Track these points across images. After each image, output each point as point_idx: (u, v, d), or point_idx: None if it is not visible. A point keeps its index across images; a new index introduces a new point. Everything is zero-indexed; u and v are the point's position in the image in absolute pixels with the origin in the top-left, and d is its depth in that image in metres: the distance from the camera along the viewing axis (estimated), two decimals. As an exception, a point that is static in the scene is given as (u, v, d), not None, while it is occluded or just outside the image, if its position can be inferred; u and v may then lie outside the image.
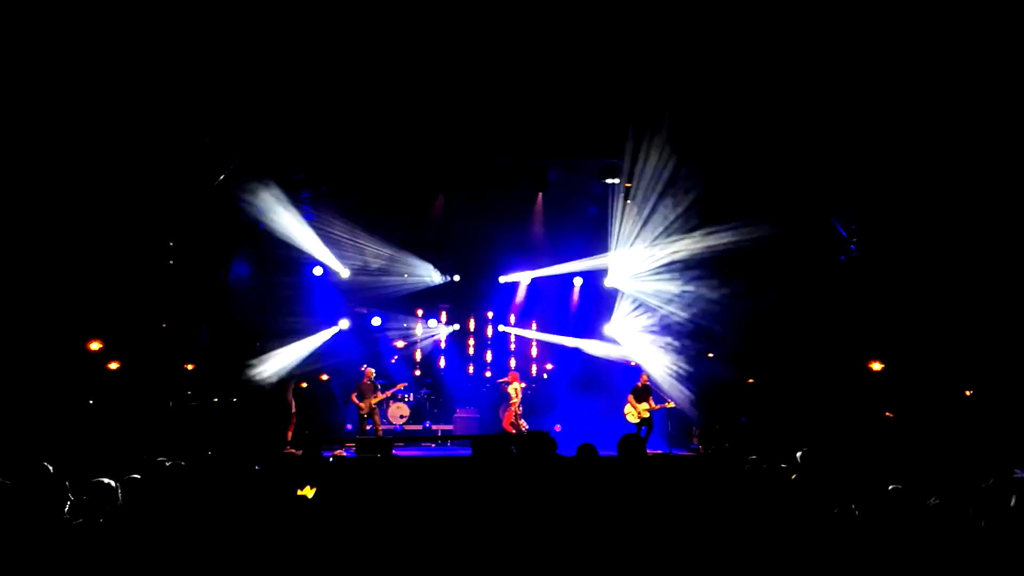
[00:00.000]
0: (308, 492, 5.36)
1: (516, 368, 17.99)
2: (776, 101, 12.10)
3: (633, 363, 17.22)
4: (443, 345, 19.33)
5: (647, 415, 15.07)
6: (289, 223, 15.95)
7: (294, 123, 13.61)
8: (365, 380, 15.62)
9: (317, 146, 14.84)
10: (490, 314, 19.40)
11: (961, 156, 12.16)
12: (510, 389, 15.94)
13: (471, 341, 19.45)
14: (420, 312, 19.16)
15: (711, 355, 16.93)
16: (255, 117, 13.05)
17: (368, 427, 15.35)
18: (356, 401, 15.36)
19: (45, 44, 10.26)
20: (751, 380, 16.04)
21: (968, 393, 14.02)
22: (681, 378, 16.54)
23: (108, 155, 12.55)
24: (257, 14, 10.29)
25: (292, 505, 5.13)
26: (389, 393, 16.18)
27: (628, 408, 15.27)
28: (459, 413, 17.20)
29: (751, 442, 13.83)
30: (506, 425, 15.76)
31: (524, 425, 15.87)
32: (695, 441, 15.87)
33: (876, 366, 14.11)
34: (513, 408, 15.79)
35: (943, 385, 13.82)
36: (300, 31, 10.66)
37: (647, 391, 15.25)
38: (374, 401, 15.44)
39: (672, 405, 15.24)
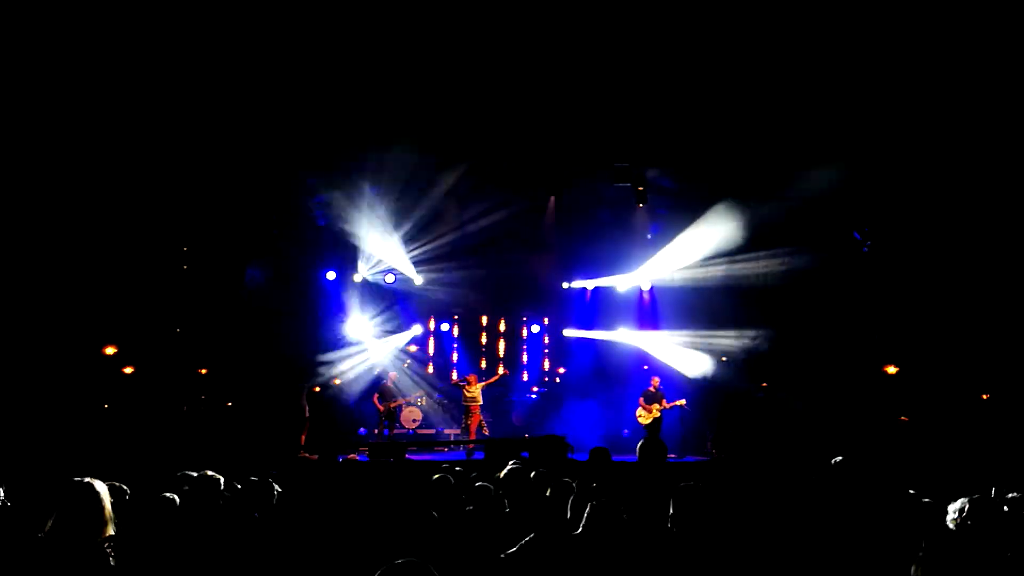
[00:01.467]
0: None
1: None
2: (787, 102, 12.04)
3: (645, 367, 17.21)
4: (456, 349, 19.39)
5: (658, 414, 15.08)
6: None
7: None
8: (388, 383, 15.77)
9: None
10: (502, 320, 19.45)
11: (979, 159, 12.06)
12: (474, 390, 15.49)
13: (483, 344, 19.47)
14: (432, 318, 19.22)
15: (724, 359, 16.87)
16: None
17: (385, 430, 15.56)
18: (377, 404, 15.58)
19: (62, 48, 10.34)
20: (765, 384, 15.96)
21: (985, 397, 13.89)
22: (695, 383, 16.49)
23: (124, 161, 12.64)
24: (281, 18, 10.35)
25: (307, 508, 5.14)
26: (409, 399, 16.30)
27: (640, 411, 15.28)
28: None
29: (766, 448, 13.76)
30: (474, 434, 15.33)
31: (486, 430, 15.72)
32: (709, 446, 15.79)
33: (891, 370, 14.01)
34: (477, 415, 15.45)
35: (959, 389, 13.70)
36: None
37: (658, 395, 15.24)
38: (393, 405, 15.60)
39: (683, 403, 15.18)
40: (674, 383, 16.31)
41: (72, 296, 13.02)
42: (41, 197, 12.25)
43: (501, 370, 17.30)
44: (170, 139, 12.67)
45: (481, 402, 15.62)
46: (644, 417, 15.19)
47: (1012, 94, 10.87)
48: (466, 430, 15.54)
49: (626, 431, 16.57)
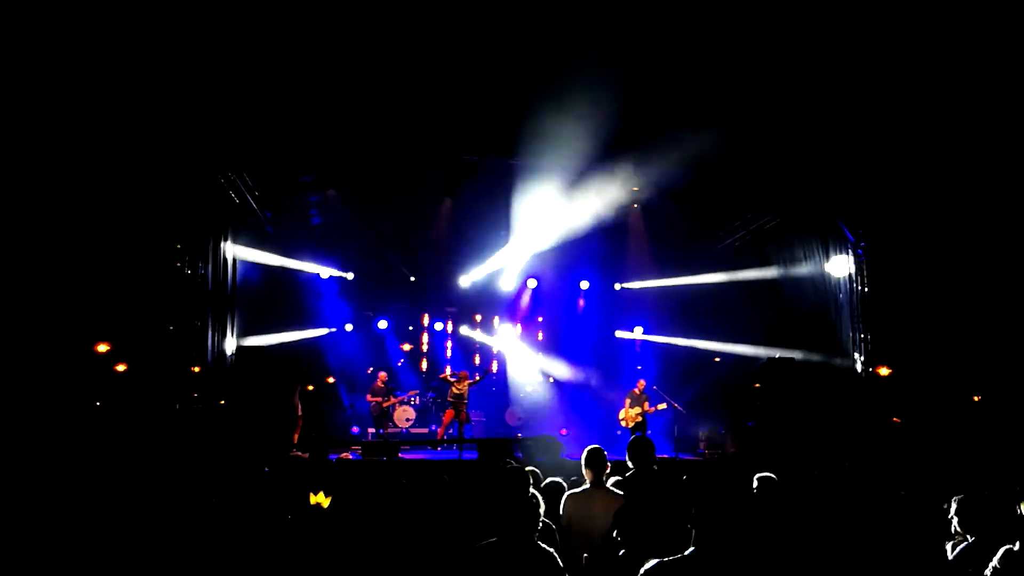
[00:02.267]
0: (323, 500, 5.35)
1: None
2: (781, 99, 12.03)
3: (639, 367, 17.26)
4: (449, 349, 19.38)
5: (640, 419, 15.09)
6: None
7: (299, 126, 13.62)
8: (378, 383, 15.79)
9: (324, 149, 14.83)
10: (496, 319, 19.44)
11: (972, 158, 12.10)
12: (463, 387, 15.51)
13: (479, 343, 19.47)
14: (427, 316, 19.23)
15: (717, 359, 16.91)
16: (261, 119, 13.08)
17: (379, 429, 15.60)
18: (370, 403, 15.71)
19: (51, 45, 10.30)
20: (757, 384, 15.98)
21: (977, 399, 13.94)
22: (687, 382, 16.53)
23: (116, 157, 12.60)
24: (260, 17, 10.32)
25: (300, 508, 5.13)
26: (402, 398, 16.35)
27: (622, 412, 15.32)
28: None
29: (758, 447, 13.79)
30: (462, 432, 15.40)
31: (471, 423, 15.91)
32: (701, 446, 15.83)
33: (883, 371, 14.03)
34: (464, 412, 15.52)
35: (951, 390, 13.73)
36: (302, 34, 10.69)
37: (643, 398, 15.27)
38: (385, 404, 15.64)
39: (664, 407, 15.19)
40: (668, 384, 16.33)
41: (64, 292, 12.95)
42: (33, 193, 12.19)
43: (495, 368, 17.32)
44: (160, 136, 12.66)
45: (467, 400, 15.66)
46: (625, 421, 15.18)
47: (1009, 95, 10.90)
48: (453, 426, 15.54)
49: (619, 430, 16.62)
